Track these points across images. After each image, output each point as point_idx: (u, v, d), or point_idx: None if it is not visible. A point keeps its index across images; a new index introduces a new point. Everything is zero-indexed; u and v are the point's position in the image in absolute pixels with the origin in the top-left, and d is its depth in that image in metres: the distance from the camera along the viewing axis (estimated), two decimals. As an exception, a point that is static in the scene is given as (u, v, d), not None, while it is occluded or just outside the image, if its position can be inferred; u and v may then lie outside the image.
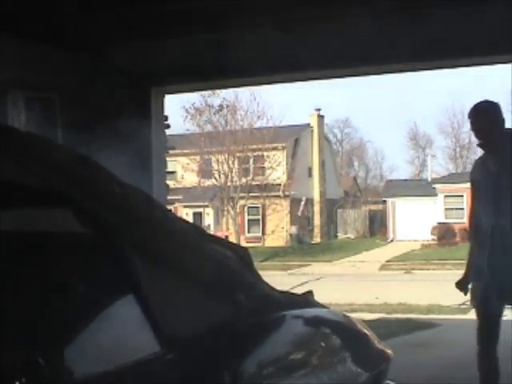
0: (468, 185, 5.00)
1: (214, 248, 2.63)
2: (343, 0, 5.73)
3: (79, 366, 1.79)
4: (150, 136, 6.66)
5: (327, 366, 2.74)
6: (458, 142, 53.10)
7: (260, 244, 34.24)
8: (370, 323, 3.98)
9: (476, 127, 4.56)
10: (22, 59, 5.62)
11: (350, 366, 2.92)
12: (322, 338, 2.91)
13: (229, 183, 32.08)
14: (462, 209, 29.97)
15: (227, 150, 31.65)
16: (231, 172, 32.18)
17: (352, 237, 39.02)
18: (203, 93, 28.80)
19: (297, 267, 25.93)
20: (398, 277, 21.64)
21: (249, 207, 35.02)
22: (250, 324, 2.46)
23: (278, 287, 2.88)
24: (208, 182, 33.01)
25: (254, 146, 31.84)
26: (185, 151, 30.33)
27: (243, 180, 32.48)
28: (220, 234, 24.29)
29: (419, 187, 36.83)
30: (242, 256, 2.78)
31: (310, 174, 39.08)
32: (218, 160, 32.15)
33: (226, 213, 33.20)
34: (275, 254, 30.41)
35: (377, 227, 39.41)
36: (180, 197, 28.16)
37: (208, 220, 34.89)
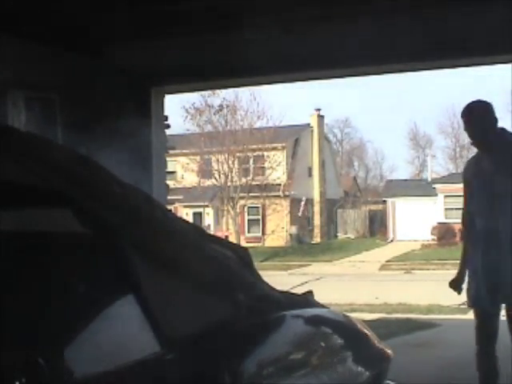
0: (468, 185, 5.00)
1: (214, 248, 2.63)
2: (343, 0, 5.73)
3: (79, 365, 1.79)
4: (150, 136, 6.65)
5: (327, 365, 2.74)
6: (458, 141, 53.09)
7: (260, 244, 34.24)
8: (370, 323, 3.98)
9: (469, 127, 4.59)
10: (22, 59, 5.62)
11: (350, 365, 2.92)
12: (322, 338, 2.91)
13: (229, 183, 32.09)
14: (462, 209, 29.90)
15: (227, 149, 31.65)
16: (231, 172, 32.18)
17: (352, 237, 39.02)
18: (203, 93, 28.84)
19: (297, 267, 25.92)
20: (398, 277, 21.63)
21: (249, 207, 35.02)
22: (249, 324, 2.46)
23: (278, 287, 2.88)
24: (208, 182, 33.01)
25: (254, 146, 31.84)
26: (185, 151, 30.34)
27: (243, 180, 32.48)
28: (220, 234, 24.29)
29: (419, 187, 36.84)
30: (242, 256, 2.78)
31: (310, 174, 39.08)
32: (218, 160, 32.16)
33: (225, 213, 33.20)
34: (275, 253, 30.41)
35: (377, 227, 39.42)
36: (180, 197, 28.17)
37: (208, 220, 34.90)
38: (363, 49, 5.83)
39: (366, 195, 45.88)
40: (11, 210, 1.93)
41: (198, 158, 33.56)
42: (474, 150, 5.06)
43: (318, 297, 3.15)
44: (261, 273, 2.81)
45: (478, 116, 4.56)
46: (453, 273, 4.81)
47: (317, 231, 38.48)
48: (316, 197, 39.04)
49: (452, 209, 32.71)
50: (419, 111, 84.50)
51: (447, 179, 35.38)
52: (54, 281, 1.90)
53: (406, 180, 44.37)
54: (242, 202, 32.78)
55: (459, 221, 5.06)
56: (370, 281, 20.07)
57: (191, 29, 6.02)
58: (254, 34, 5.98)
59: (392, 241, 36.18)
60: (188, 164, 33.37)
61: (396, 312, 12.44)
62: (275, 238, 35.00)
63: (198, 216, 34.45)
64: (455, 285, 4.68)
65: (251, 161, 33.75)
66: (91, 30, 6.03)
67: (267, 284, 2.76)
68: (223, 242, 2.94)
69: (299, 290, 3.50)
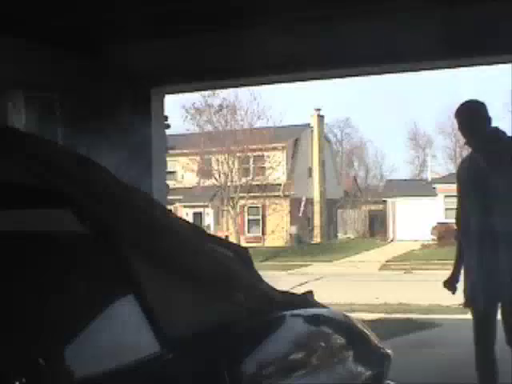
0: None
1: (214, 248, 2.63)
2: (343, 0, 5.73)
3: (79, 366, 1.79)
4: (150, 136, 6.65)
5: (327, 366, 2.74)
6: (458, 141, 52.93)
7: (260, 244, 34.24)
8: (370, 323, 3.98)
9: (462, 126, 4.59)
10: (22, 59, 5.62)
11: (350, 366, 2.92)
12: (322, 338, 2.91)
13: (229, 183, 32.10)
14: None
15: (227, 150, 31.66)
16: (231, 172, 32.20)
17: (352, 237, 39.05)
18: (203, 93, 28.89)
19: (297, 267, 25.93)
20: (398, 277, 21.64)
21: (249, 207, 35.03)
22: (249, 324, 2.46)
23: (278, 287, 2.88)
24: (208, 182, 33.03)
25: (254, 146, 31.86)
26: (185, 151, 30.37)
27: (243, 180, 32.50)
28: (220, 234, 24.29)
29: (419, 187, 36.87)
30: (242, 256, 2.78)
31: (310, 174, 39.08)
32: (218, 160, 32.18)
33: (225, 213, 33.23)
34: (275, 254, 30.42)
35: (377, 227, 39.44)
36: (180, 197, 28.22)
37: (208, 220, 34.91)
38: (363, 49, 5.83)
39: (366, 195, 45.88)
40: (11, 210, 1.93)
41: (197, 157, 33.59)
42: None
43: (318, 297, 3.15)
44: (261, 273, 2.81)
45: (469, 116, 4.57)
46: (452, 273, 4.82)
47: (317, 231, 38.49)
48: (316, 197, 39.04)
49: (452, 209, 32.49)
50: (419, 111, 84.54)
51: (447, 179, 35.31)
52: (53, 281, 1.90)
53: (406, 180, 44.39)
54: (242, 202, 32.80)
55: (459, 221, 5.06)
56: (369, 281, 20.07)
57: (191, 29, 6.02)
58: (254, 34, 5.98)
59: (392, 241, 36.20)
60: (188, 164, 33.39)
61: (396, 312, 12.44)
62: (275, 238, 35.01)
63: (198, 216, 34.46)
64: (449, 284, 4.70)
65: (251, 161, 33.77)
66: (91, 30, 6.03)
67: (267, 284, 2.76)
68: (223, 242, 2.94)
69: (299, 290, 3.50)
